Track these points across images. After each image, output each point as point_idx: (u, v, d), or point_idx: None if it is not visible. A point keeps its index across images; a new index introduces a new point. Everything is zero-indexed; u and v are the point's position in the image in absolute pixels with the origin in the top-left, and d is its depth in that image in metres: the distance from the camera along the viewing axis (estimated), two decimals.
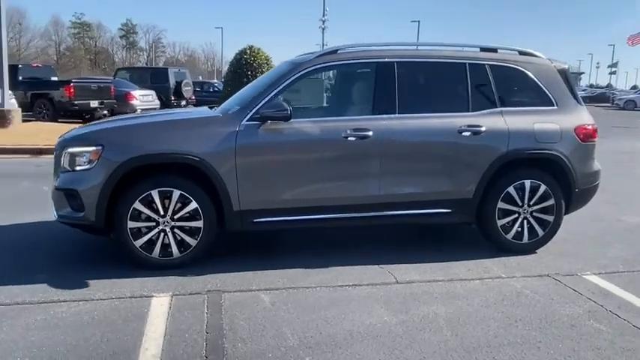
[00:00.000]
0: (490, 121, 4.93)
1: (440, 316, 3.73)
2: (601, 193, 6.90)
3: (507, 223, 5.04)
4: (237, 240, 5.32)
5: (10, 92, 15.62)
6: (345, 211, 4.78)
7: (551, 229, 5.14)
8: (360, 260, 4.78)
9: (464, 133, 4.86)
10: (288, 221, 4.72)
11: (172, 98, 22.37)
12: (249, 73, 13.24)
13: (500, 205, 4.99)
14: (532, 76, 5.15)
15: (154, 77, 22.79)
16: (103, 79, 22.20)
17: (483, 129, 4.89)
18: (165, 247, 4.49)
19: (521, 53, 5.34)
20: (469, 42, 5.26)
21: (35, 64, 21.66)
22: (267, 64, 13.63)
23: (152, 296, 3.96)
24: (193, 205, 4.47)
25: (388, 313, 3.76)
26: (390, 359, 3.16)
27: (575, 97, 5.27)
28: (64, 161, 4.53)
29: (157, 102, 20.49)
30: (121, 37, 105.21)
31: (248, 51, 13.69)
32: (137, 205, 4.38)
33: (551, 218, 5.11)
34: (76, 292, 4.00)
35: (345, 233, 5.68)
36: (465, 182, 4.91)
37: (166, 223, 4.46)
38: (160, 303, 3.85)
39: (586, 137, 5.16)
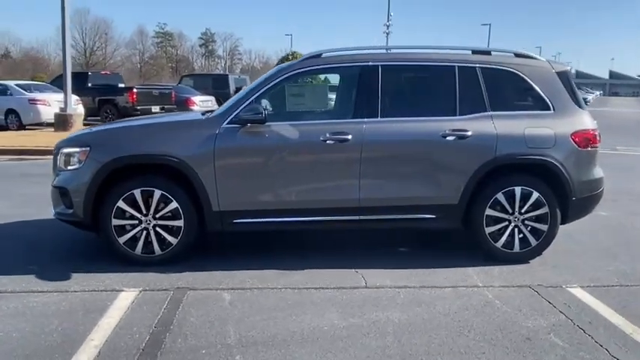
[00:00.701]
0: (477, 125, 4.79)
1: (392, 322, 3.68)
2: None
3: (497, 230, 4.88)
4: (225, 240, 5.46)
5: (76, 98, 16.71)
6: (325, 214, 4.79)
7: (545, 239, 4.92)
8: (340, 264, 4.77)
9: (448, 138, 4.75)
10: (268, 223, 4.80)
11: None
12: None
13: (489, 212, 4.83)
14: (527, 79, 4.96)
15: (215, 83, 23.60)
16: (164, 85, 23.21)
17: (469, 133, 4.76)
18: (148, 244, 4.68)
19: (517, 55, 5.16)
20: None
21: (104, 72, 23.03)
22: None
23: (122, 290, 4.15)
24: (174, 204, 4.63)
25: (340, 317, 3.74)
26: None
27: (575, 100, 5.02)
28: (60, 161, 4.83)
29: (217, 107, 21.17)
30: (200, 46, 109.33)
31: (290, 57, 13.91)
32: (121, 203, 4.60)
33: (545, 227, 4.89)
34: (56, 284, 4.27)
35: (334, 237, 5.68)
36: (450, 188, 4.80)
37: (148, 222, 4.65)
38: (125, 297, 4.03)
39: (584, 143, 4.90)
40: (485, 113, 4.85)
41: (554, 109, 4.94)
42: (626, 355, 3.28)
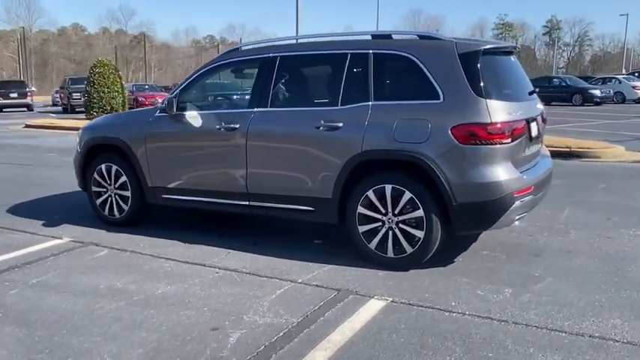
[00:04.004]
0: (351, 116, 4.50)
1: (145, 292, 4.04)
2: None
3: (370, 230, 4.49)
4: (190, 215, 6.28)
5: None
6: (223, 197, 5.19)
7: (422, 247, 4.31)
8: (234, 245, 5.09)
9: (320, 129, 4.60)
10: (184, 201, 5.46)
11: None
12: None
13: (360, 209, 4.49)
14: (420, 64, 4.35)
15: None
16: None
17: (340, 125, 4.52)
18: (111, 208, 5.89)
19: (421, 38, 4.54)
20: None
21: None
22: None
23: (59, 238, 5.46)
24: (124, 178, 5.73)
25: (127, 282, 4.24)
26: (42, 304, 3.88)
27: (475, 87, 4.16)
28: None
29: None
30: (544, 34, 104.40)
31: None
32: (95, 175, 5.92)
33: (420, 234, 4.29)
34: (41, 228, 5.81)
35: (272, 222, 5.93)
36: (323, 181, 4.63)
37: (111, 190, 5.85)
38: (51, 243, 5.32)
39: (467, 138, 4.08)
40: (366, 103, 4.48)
41: (443, 98, 4.23)
42: None
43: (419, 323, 3.50)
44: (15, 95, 31.75)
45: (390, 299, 3.87)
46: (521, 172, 4.32)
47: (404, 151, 4.25)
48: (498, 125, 4.09)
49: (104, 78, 19.09)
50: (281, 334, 3.38)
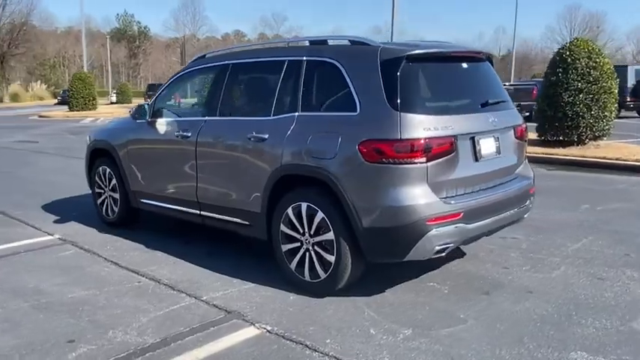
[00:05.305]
0: (276, 128, 4.23)
1: (62, 298, 4.13)
2: None
3: (291, 250, 4.19)
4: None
5: None
6: (181, 205, 5.16)
7: (333, 273, 3.91)
8: (188, 254, 5.05)
9: (251, 140, 4.39)
10: (154, 206, 5.53)
11: (628, 99, 19.89)
12: (559, 71, 10.97)
13: (282, 227, 4.20)
14: (343, 72, 3.96)
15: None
16: (526, 82, 21.84)
17: (266, 137, 4.27)
18: (107, 209, 6.17)
19: (352, 43, 4.12)
20: None
21: None
22: (589, 59, 10.87)
23: (51, 235, 5.83)
24: (114, 181, 5.97)
25: (53, 284, 4.35)
26: None
27: (391, 98, 3.67)
28: None
29: None
30: None
31: (567, 45, 11.45)
32: (96, 177, 6.24)
33: (332, 258, 3.90)
34: (47, 224, 6.25)
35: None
36: (253, 195, 4.41)
37: (107, 192, 6.13)
38: (40, 239, 5.69)
39: (374, 155, 3.62)
40: (292, 114, 4.19)
41: (359, 110, 3.81)
42: None
43: None
44: None
45: (269, 328, 3.55)
46: (448, 197, 3.75)
47: (314, 167, 3.90)
48: (412, 142, 3.57)
49: None
50: (122, 355, 3.26)
